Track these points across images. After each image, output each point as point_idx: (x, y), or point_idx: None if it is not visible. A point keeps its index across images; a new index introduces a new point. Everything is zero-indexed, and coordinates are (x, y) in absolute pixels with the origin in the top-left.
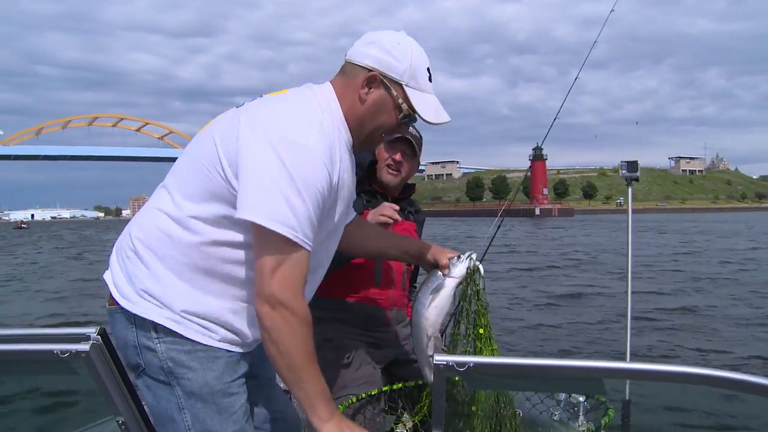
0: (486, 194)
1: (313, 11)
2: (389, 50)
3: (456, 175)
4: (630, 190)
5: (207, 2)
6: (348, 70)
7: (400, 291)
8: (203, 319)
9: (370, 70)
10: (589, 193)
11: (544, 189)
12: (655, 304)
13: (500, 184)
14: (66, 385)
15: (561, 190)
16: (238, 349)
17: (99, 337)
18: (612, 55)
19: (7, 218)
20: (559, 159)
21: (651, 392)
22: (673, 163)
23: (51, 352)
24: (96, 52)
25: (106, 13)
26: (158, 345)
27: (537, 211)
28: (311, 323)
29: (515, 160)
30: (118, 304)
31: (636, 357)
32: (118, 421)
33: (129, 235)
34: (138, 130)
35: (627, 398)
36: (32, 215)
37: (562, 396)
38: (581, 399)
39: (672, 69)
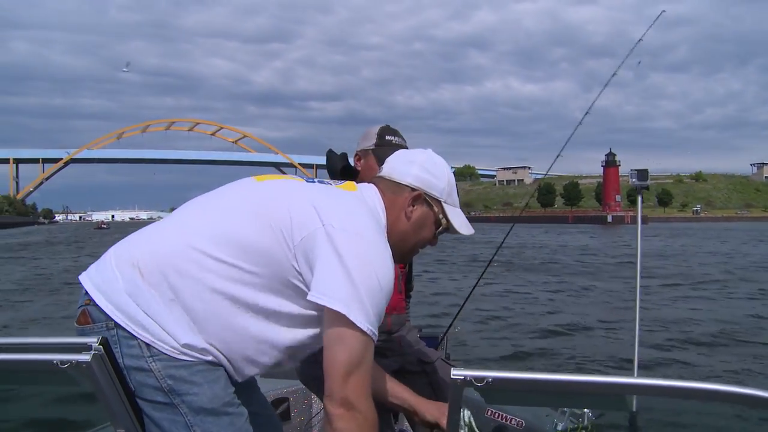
0: (557, 200)
1: (387, 15)
2: (429, 169)
3: (527, 180)
4: (640, 198)
5: (282, 8)
6: (391, 186)
7: (397, 295)
8: (202, 353)
9: (413, 189)
10: (664, 200)
11: (616, 196)
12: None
13: (572, 191)
14: (65, 392)
15: (634, 197)
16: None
17: (101, 347)
18: (693, 58)
19: (90, 218)
20: (635, 165)
21: (659, 403)
22: (755, 169)
23: (51, 362)
24: (175, 58)
25: (185, 21)
26: (153, 363)
27: (609, 218)
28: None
29: (588, 166)
30: (116, 322)
31: (643, 369)
32: None
33: (143, 254)
34: (213, 134)
35: (634, 410)
36: (112, 216)
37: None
38: (586, 410)
39: (759, 70)
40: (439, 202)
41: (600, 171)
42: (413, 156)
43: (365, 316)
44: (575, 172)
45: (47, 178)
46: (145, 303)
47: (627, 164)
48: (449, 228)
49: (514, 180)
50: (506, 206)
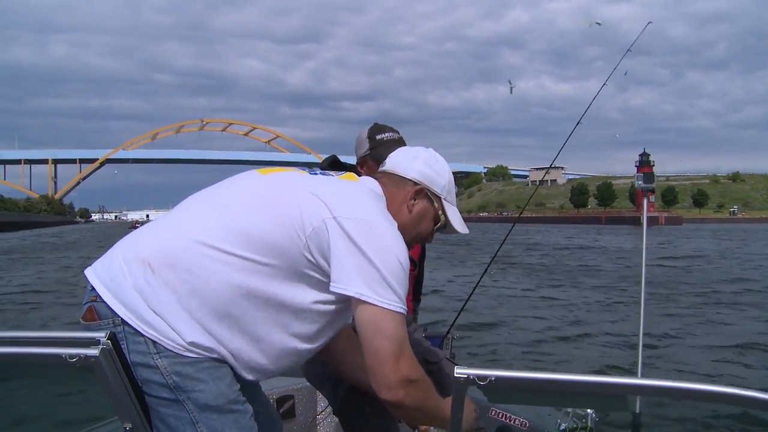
0: (590, 201)
1: (419, 15)
2: (432, 166)
3: (560, 181)
4: (645, 201)
5: (315, 9)
6: (394, 180)
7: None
8: (208, 351)
9: (416, 183)
10: (699, 200)
11: (650, 196)
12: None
13: (605, 191)
14: (73, 386)
15: (669, 197)
16: None
17: (109, 342)
18: (732, 55)
19: (125, 218)
20: (670, 165)
21: (662, 405)
22: None
23: (59, 356)
24: (208, 59)
25: (218, 22)
26: (159, 360)
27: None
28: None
29: (622, 166)
30: (122, 318)
31: (647, 371)
32: (125, 428)
33: (153, 251)
34: (246, 134)
35: (638, 411)
36: (147, 215)
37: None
38: (589, 411)
39: None
40: (440, 198)
41: (634, 171)
42: (417, 152)
43: (395, 296)
44: (609, 173)
45: (84, 178)
46: (153, 299)
47: (662, 164)
48: (446, 225)
49: (546, 180)
50: (539, 206)
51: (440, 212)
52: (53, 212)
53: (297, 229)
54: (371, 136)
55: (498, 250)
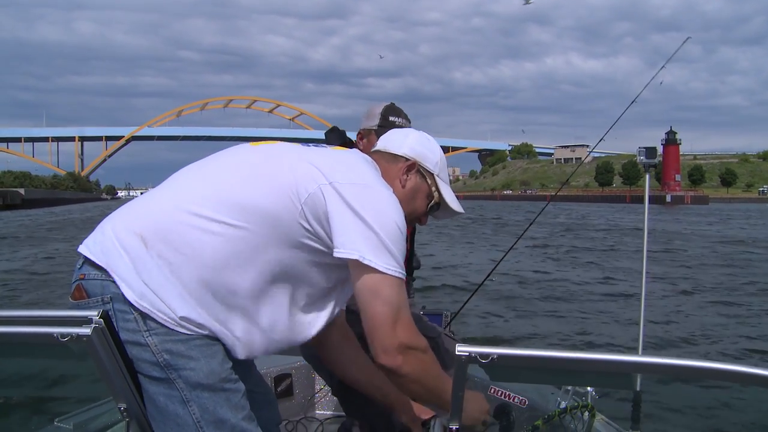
0: (616, 179)
1: None
2: (423, 143)
3: (586, 159)
4: (648, 176)
5: None
6: (386, 157)
7: None
8: (199, 327)
9: (408, 159)
10: (727, 180)
11: (676, 175)
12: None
13: (631, 170)
14: (65, 367)
15: (696, 176)
16: None
17: (101, 320)
18: None
19: None
20: (699, 144)
21: (663, 383)
22: None
23: (51, 335)
24: (233, 35)
25: None
26: (150, 338)
27: (668, 198)
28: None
29: (649, 144)
30: (116, 294)
31: (648, 350)
32: (119, 408)
33: (145, 223)
34: (270, 111)
35: (638, 389)
36: None
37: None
38: (589, 389)
39: None
40: (432, 175)
41: (660, 150)
42: (408, 132)
43: (394, 262)
44: (635, 151)
45: (110, 156)
46: (145, 272)
47: (690, 143)
48: (440, 203)
49: (572, 158)
50: (563, 185)
51: (433, 189)
52: (79, 189)
53: (292, 197)
54: (384, 115)
55: (524, 233)
